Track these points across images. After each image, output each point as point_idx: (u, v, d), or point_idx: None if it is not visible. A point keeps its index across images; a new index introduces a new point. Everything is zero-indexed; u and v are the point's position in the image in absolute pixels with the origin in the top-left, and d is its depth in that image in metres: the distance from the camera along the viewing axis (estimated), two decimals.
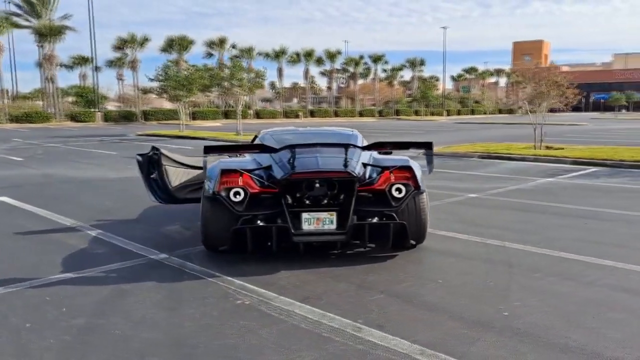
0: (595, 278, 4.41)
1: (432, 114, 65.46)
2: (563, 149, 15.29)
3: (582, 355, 3.08)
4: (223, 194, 4.76)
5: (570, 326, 3.47)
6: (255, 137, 6.65)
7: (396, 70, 67.20)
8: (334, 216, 4.87)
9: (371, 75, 68.29)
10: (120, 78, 54.42)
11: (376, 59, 63.78)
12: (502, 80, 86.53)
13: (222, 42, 53.24)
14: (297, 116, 55.28)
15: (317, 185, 4.80)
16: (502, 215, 7.07)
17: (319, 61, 59.82)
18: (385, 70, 67.00)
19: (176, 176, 6.40)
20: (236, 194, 4.75)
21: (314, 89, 63.96)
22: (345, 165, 4.81)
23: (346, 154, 5.03)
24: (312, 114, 56.77)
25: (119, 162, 14.09)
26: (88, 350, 3.24)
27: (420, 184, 4.91)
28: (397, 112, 63.40)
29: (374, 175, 4.99)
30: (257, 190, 4.84)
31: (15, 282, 4.47)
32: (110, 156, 15.80)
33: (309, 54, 58.10)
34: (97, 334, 3.45)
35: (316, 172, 4.73)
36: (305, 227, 4.85)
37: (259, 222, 4.84)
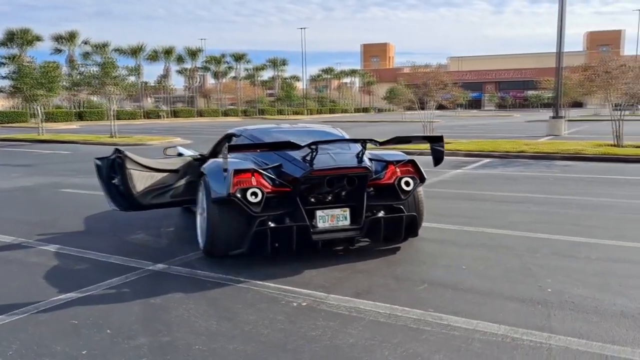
0: (586, 254, 4.97)
1: (295, 113, 66.79)
2: (450, 142, 16.63)
3: (637, 316, 3.50)
4: (239, 195, 4.54)
5: (611, 294, 3.91)
6: (228, 136, 6.37)
7: (258, 69, 67.45)
8: (347, 212, 4.91)
9: (231, 74, 67.71)
10: None
11: (238, 57, 63.42)
12: (357, 80, 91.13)
13: (72, 37, 49.14)
14: (158, 116, 52.94)
15: (334, 181, 4.79)
16: (454, 205, 7.57)
17: (180, 59, 57.84)
18: (247, 70, 66.84)
19: (140, 180, 5.92)
20: (253, 194, 4.56)
21: (166, 88, 61.60)
22: (360, 161, 4.87)
23: (351, 150, 5.10)
24: (175, 114, 54.77)
25: None
26: None
27: (425, 176, 5.14)
28: (262, 112, 63.66)
29: (379, 169, 5.10)
30: (270, 190, 4.70)
31: (15, 307, 3.86)
32: None
33: (168, 52, 55.90)
34: (179, 353, 3.14)
35: (335, 169, 4.72)
36: (320, 224, 4.83)
37: (271, 222, 4.70)
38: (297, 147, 4.54)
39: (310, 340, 3.25)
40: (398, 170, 5.09)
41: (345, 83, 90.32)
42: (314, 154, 4.66)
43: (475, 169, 11.66)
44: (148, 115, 52.50)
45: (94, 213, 7.32)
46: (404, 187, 5.01)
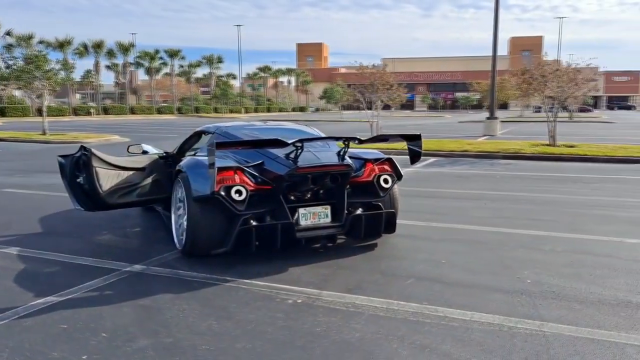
0: (552, 246, 5.27)
1: (231, 111, 65.99)
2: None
3: (614, 303, 3.77)
4: (223, 193, 4.48)
5: (585, 283, 4.18)
6: (198, 133, 6.25)
7: (193, 66, 66.05)
8: (328, 210, 4.96)
9: (163, 70, 65.93)
10: None
11: (173, 53, 61.79)
12: (292, 79, 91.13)
13: None
14: (88, 113, 50.78)
15: (318, 179, 4.82)
16: (415, 202, 7.76)
17: (111, 54, 55.66)
18: (182, 66, 65.31)
19: (107, 179, 5.71)
20: (237, 192, 4.52)
21: (95, 84, 59.22)
22: (343, 159, 4.93)
23: (331, 148, 5.16)
24: (106, 111, 52.68)
25: None
26: None
27: (402, 173, 5.27)
28: (197, 110, 62.41)
29: (358, 167, 5.18)
30: (253, 188, 4.67)
31: None
32: None
33: (98, 46, 53.66)
34: (187, 353, 3.08)
35: (319, 167, 4.75)
36: (303, 222, 4.86)
37: (253, 220, 4.68)
38: (284, 144, 4.54)
39: (317, 336, 3.28)
40: (376, 168, 5.19)
41: (281, 82, 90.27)
42: (299, 151, 4.67)
43: (425, 168, 12.02)
44: (76, 112, 50.20)
45: (47, 213, 6.98)
46: (382, 184, 5.12)
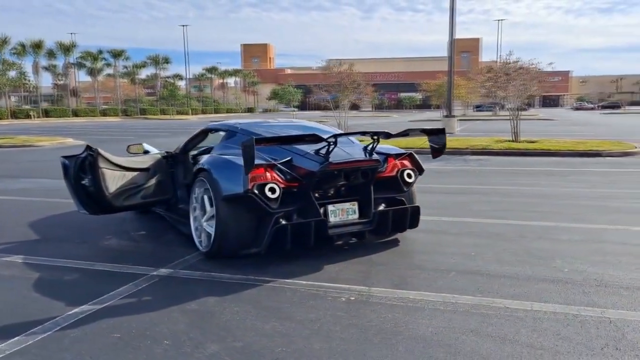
0: (567, 237, 5.42)
1: (179, 112, 64.55)
2: (362, 141, 17.10)
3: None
4: (256, 191, 4.35)
5: (619, 270, 4.31)
6: (204, 132, 6.03)
7: (138, 67, 64.15)
8: (355, 206, 4.91)
9: (105, 71, 63.75)
10: None
11: (117, 54, 59.81)
12: (239, 80, 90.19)
13: None
14: (28, 116, 48.37)
15: (350, 175, 4.76)
16: None
17: (51, 54, 53.24)
18: (126, 67, 63.30)
19: (113, 181, 5.46)
20: (271, 190, 4.39)
21: (27, 85, 56.50)
22: (371, 154, 4.89)
23: (355, 143, 5.13)
24: (47, 113, 50.29)
25: None
26: None
27: (423, 168, 5.29)
28: (143, 111, 60.65)
29: (381, 162, 5.14)
30: (284, 185, 4.56)
31: (28, 326, 3.38)
32: None
33: (37, 46, 51.19)
34: (266, 357, 2.95)
35: (352, 162, 4.69)
36: (332, 219, 4.78)
37: (282, 219, 4.57)
38: (320, 139, 4.45)
39: (390, 333, 3.22)
40: (398, 163, 5.17)
41: (227, 83, 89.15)
42: (330, 147, 4.59)
43: None
44: (15, 114, 47.69)
45: (34, 219, 6.58)
46: (406, 179, 5.11)
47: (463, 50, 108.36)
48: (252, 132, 5.26)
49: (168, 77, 68.10)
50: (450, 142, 15.94)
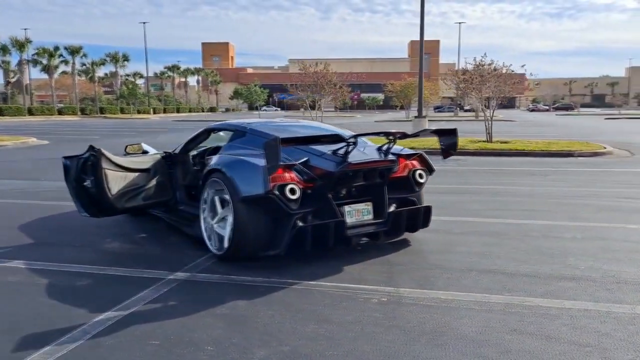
0: (570, 235, 5.55)
1: (139, 112, 63.13)
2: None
3: None
4: (277, 192, 4.28)
5: (633, 267, 4.43)
6: (207, 131, 5.90)
7: (97, 64, 62.36)
8: (370, 206, 4.89)
9: (61, 69, 61.65)
10: None
11: (74, 51, 57.89)
12: (200, 79, 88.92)
13: None
14: None
15: (367, 175, 4.74)
16: None
17: (5, 50, 51.14)
18: (84, 65, 61.43)
19: (115, 182, 5.30)
20: (291, 191, 4.33)
21: None
22: (386, 154, 4.88)
23: (369, 144, 5.12)
24: (1, 112, 48.21)
25: None
26: None
27: (434, 168, 5.32)
28: (102, 110, 59.01)
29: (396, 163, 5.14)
30: (303, 186, 4.51)
31: (54, 335, 3.22)
32: None
33: None
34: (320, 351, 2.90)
35: (370, 162, 4.67)
36: (348, 220, 4.75)
37: (299, 221, 4.52)
38: (342, 139, 4.42)
39: (435, 334, 3.21)
40: (409, 163, 5.19)
41: (186, 82, 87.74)
42: (350, 148, 4.56)
43: None
44: None
45: (24, 222, 6.31)
46: (418, 179, 5.12)
47: (425, 51, 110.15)
48: (263, 132, 5.16)
49: (128, 75, 66.45)
50: (426, 142, 16.16)
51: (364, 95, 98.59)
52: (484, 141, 15.96)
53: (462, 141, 16.21)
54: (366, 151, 4.84)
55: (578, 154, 13.76)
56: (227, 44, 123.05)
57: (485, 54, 15.00)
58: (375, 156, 4.80)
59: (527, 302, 3.68)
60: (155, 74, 78.30)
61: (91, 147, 5.11)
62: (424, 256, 4.84)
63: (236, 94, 64.07)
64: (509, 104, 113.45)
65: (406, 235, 5.42)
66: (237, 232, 4.45)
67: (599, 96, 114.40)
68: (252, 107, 54.49)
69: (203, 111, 76.66)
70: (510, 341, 3.10)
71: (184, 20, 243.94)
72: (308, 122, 6.18)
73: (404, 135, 4.89)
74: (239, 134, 5.37)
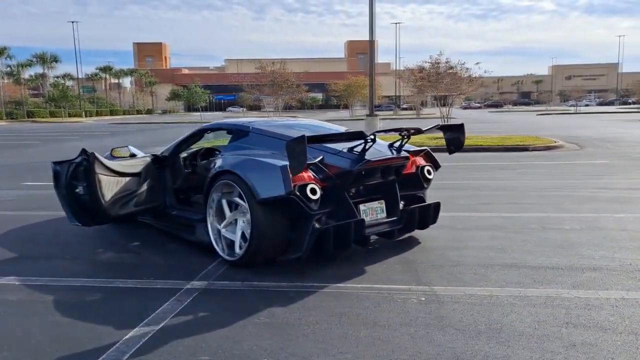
0: (568, 226, 5.68)
1: (70, 115, 60.26)
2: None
3: None
4: (298, 192, 4.11)
5: (629, 252, 4.59)
6: (200, 132, 5.61)
7: (23, 66, 59.01)
8: (383, 204, 4.81)
9: None
10: None
11: None
12: (132, 80, 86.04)
13: None
14: None
15: (384, 172, 4.64)
16: None
17: None
18: (9, 67, 57.99)
19: (109, 188, 4.97)
20: (312, 191, 4.17)
21: None
22: (399, 151, 4.81)
23: (379, 141, 5.02)
24: None
25: None
26: None
27: (439, 164, 5.30)
28: (31, 114, 55.89)
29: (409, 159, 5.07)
30: (321, 185, 4.35)
31: (90, 357, 2.94)
32: None
33: None
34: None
35: (387, 160, 4.58)
36: (365, 219, 4.64)
37: (316, 222, 4.36)
38: (364, 136, 4.30)
39: (491, 331, 3.15)
40: (416, 159, 5.14)
41: (121, 83, 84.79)
42: (367, 145, 4.45)
43: None
44: None
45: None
46: (427, 175, 5.08)
47: (360, 51, 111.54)
48: (270, 132, 4.95)
49: (57, 77, 63.29)
50: (387, 139, 16.30)
51: (297, 95, 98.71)
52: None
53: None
54: (380, 148, 4.74)
55: (532, 148, 14.27)
56: (160, 44, 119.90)
57: (441, 52, 15.27)
58: (390, 153, 4.71)
59: (564, 295, 3.70)
60: (87, 75, 75.02)
61: (84, 151, 4.74)
62: (440, 253, 4.79)
63: (174, 95, 62.32)
64: (442, 101, 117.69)
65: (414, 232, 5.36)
66: (255, 236, 4.24)
67: (526, 93, 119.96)
68: (191, 109, 53.25)
69: (139, 113, 74.12)
70: (569, 334, 3.08)
71: (111, 19, 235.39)
72: (307, 121, 6.00)
73: (418, 131, 4.83)
74: (241, 133, 5.13)
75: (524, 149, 14.29)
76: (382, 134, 4.97)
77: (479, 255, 4.66)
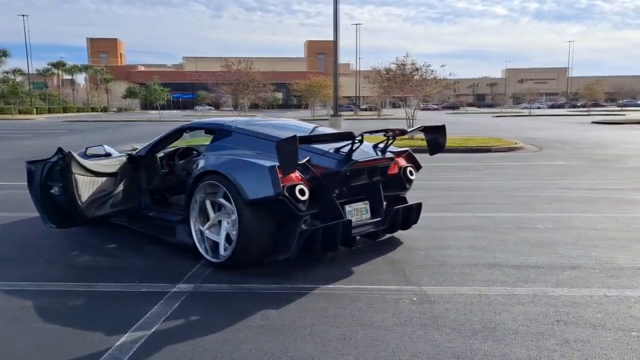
0: (542, 225, 5.84)
1: (20, 112, 58.02)
2: None
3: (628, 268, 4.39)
4: (287, 193, 4.08)
5: (626, 253, 4.74)
6: (179, 131, 5.49)
7: None
8: (367, 205, 4.83)
9: None
10: None
11: None
12: (86, 77, 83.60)
13: None
14: None
15: (371, 173, 4.66)
16: None
17: None
18: None
19: (85, 188, 4.82)
20: (301, 191, 4.15)
21: None
22: (384, 152, 4.83)
23: (364, 143, 5.04)
24: None
25: None
26: None
27: (420, 165, 5.36)
28: None
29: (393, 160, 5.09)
30: (308, 186, 4.33)
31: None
32: None
33: None
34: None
35: (373, 161, 4.60)
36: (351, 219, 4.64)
37: (303, 224, 4.35)
38: (353, 137, 4.30)
39: (487, 330, 3.20)
40: (399, 160, 5.18)
41: (74, 79, 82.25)
42: (353, 146, 4.45)
43: None
44: None
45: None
46: (409, 176, 5.13)
47: (319, 52, 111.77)
48: (255, 132, 4.88)
49: (7, 72, 60.77)
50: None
51: (263, 95, 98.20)
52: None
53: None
54: (366, 149, 4.75)
55: (495, 149, 14.63)
56: (115, 40, 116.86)
57: (407, 53, 15.47)
58: (375, 154, 4.73)
59: (550, 293, 3.80)
60: (38, 71, 72.37)
61: (60, 150, 4.56)
62: (425, 253, 4.84)
63: (130, 93, 60.89)
64: (406, 103, 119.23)
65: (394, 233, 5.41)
66: (242, 237, 4.18)
67: (481, 96, 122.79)
68: (147, 107, 52.19)
69: (94, 110, 71.99)
70: (562, 332, 3.17)
71: (61, 13, 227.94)
72: (286, 121, 5.95)
73: (403, 132, 4.87)
74: (223, 133, 5.04)
75: (487, 150, 14.63)
76: (366, 134, 4.98)
77: (462, 255, 4.74)
